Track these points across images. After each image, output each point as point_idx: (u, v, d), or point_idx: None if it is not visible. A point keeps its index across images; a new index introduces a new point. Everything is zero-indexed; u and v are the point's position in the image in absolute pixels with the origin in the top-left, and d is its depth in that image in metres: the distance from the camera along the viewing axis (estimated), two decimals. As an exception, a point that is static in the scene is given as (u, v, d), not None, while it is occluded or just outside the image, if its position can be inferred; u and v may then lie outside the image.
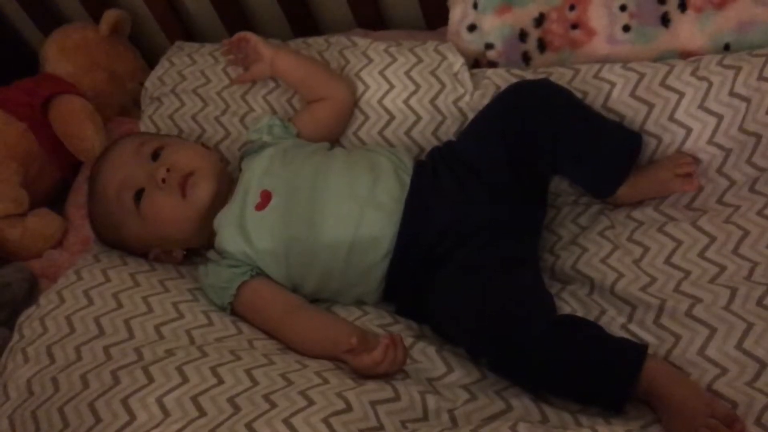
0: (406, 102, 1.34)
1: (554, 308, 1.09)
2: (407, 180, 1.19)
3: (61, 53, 1.63)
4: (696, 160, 1.18)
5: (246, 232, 1.19)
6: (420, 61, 1.36)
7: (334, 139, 1.36)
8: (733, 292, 1.02)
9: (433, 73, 1.34)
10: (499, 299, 1.03)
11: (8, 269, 1.37)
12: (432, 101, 1.33)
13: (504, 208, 1.17)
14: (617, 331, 1.06)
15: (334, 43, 1.46)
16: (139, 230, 1.25)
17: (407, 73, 1.35)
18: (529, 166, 1.17)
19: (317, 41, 1.49)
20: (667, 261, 1.10)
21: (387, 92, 1.35)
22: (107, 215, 1.27)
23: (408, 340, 1.10)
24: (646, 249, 1.12)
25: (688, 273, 1.08)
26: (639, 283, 1.09)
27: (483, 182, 1.18)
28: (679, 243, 1.11)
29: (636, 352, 0.99)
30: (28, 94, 1.54)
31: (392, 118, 1.35)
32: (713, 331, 1.00)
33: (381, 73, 1.36)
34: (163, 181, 1.21)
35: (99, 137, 1.51)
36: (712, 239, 1.09)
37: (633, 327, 1.06)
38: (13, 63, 1.77)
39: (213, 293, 1.19)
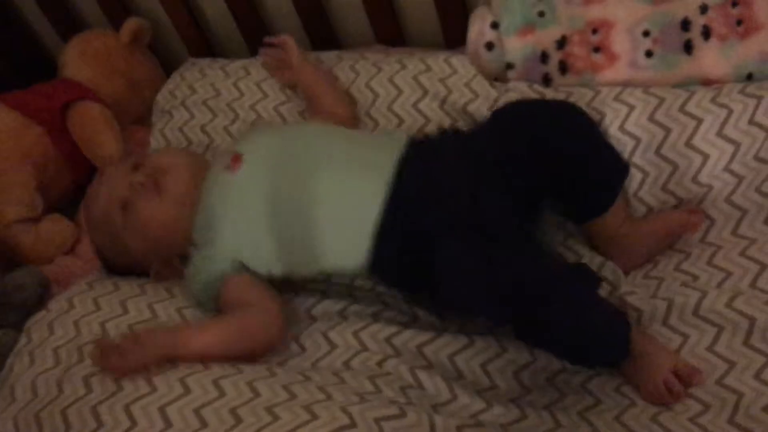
0: (414, 106, 1.35)
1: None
2: (403, 144, 1.16)
3: (82, 59, 1.64)
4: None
5: (220, 195, 1.17)
6: (428, 69, 1.37)
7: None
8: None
9: (443, 81, 1.35)
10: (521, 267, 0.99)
11: (22, 272, 1.38)
12: (441, 105, 1.34)
13: (509, 201, 1.12)
14: None
15: (345, 59, 1.47)
16: (134, 244, 1.22)
17: (415, 78, 1.37)
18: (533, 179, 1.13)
19: (329, 56, 1.50)
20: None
21: (396, 97, 1.37)
22: (108, 238, 1.26)
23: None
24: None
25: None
26: None
27: (497, 172, 1.12)
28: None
29: (622, 317, 1.04)
30: (46, 99, 1.55)
31: (401, 121, 1.36)
32: None
33: (390, 80, 1.38)
34: (141, 185, 1.20)
35: (117, 144, 1.53)
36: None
37: None
38: (31, 67, 1.79)
39: (199, 289, 1.16)
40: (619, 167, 1.17)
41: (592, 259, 1.16)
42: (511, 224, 1.09)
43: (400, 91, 1.37)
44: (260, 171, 1.16)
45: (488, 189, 1.10)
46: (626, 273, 1.15)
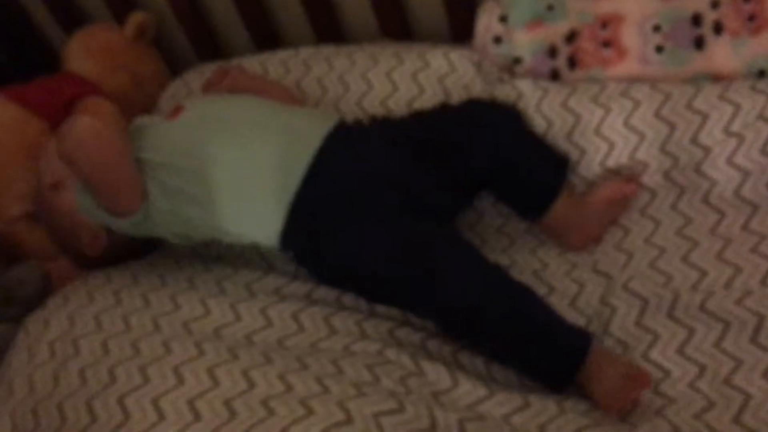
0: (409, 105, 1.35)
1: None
2: (333, 123, 1.20)
3: (86, 53, 1.63)
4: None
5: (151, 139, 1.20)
6: (427, 65, 1.36)
7: None
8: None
9: (440, 80, 1.35)
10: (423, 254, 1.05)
11: (24, 267, 1.38)
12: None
13: (426, 183, 1.17)
14: None
15: (343, 49, 1.47)
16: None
17: (413, 76, 1.36)
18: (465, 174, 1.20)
19: (328, 48, 1.50)
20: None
21: (391, 94, 1.36)
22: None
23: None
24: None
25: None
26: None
27: (417, 157, 1.18)
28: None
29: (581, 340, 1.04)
30: (50, 93, 1.54)
31: None
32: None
33: (387, 75, 1.37)
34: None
35: (123, 140, 1.51)
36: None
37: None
38: (34, 60, 1.79)
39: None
40: (554, 168, 1.21)
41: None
42: (429, 213, 1.13)
43: (396, 88, 1.36)
44: (196, 122, 1.19)
45: (411, 174, 1.16)
46: (580, 249, 1.19)
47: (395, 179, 1.16)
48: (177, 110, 1.23)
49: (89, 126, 1.17)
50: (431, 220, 1.12)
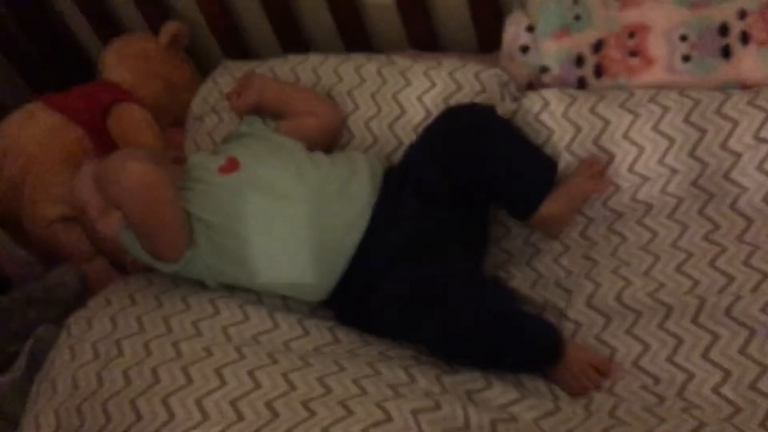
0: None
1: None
2: (378, 183, 1.24)
3: (121, 61, 1.67)
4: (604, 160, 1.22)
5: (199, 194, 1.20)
6: (460, 88, 1.37)
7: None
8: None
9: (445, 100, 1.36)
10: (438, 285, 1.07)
11: (63, 269, 1.40)
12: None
13: (446, 220, 1.21)
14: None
15: (374, 60, 1.48)
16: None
17: (445, 100, 1.36)
18: (463, 185, 1.22)
19: (358, 57, 1.51)
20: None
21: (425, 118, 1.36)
22: None
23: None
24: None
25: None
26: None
27: (426, 196, 1.22)
28: None
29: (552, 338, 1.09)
30: (88, 100, 1.58)
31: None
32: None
33: (419, 98, 1.38)
34: None
35: (157, 146, 1.54)
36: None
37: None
38: (72, 69, 1.83)
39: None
40: (543, 171, 1.24)
41: None
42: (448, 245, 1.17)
43: (429, 113, 1.36)
44: (248, 188, 1.19)
45: (429, 215, 1.20)
46: (554, 237, 1.24)
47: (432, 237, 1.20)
48: (231, 165, 1.22)
49: (142, 175, 1.11)
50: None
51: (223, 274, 1.19)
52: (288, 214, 1.17)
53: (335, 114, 1.40)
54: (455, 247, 1.19)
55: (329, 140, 1.39)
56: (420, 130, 1.34)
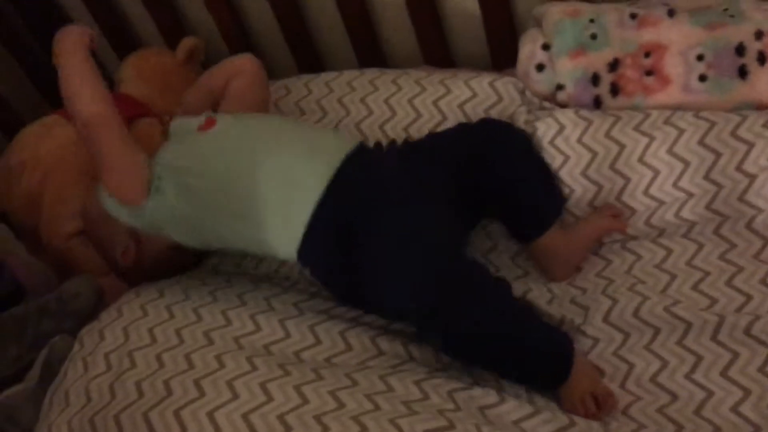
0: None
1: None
2: (353, 143, 1.23)
3: (138, 75, 1.68)
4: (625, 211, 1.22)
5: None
6: (474, 95, 1.38)
7: (263, 109, 1.43)
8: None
9: (486, 110, 1.37)
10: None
11: (79, 280, 1.40)
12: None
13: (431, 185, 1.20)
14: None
15: (388, 72, 1.49)
16: None
17: (461, 107, 1.37)
18: (471, 188, 1.22)
19: (372, 70, 1.52)
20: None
21: (440, 123, 1.37)
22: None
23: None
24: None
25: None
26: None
27: (427, 170, 1.22)
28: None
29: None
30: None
31: None
32: None
33: (434, 103, 1.39)
34: None
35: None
36: None
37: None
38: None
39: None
40: (555, 196, 1.24)
41: None
42: (443, 229, 1.15)
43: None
44: (225, 137, 1.25)
45: (425, 195, 1.19)
46: (561, 281, 1.22)
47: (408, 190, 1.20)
48: (209, 122, 1.28)
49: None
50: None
51: (187, 221, 1.22)
52: (259, 160, 1.19)
53: (246, 60, 1.44)
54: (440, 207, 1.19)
55: (263, 87, 1.44)
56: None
